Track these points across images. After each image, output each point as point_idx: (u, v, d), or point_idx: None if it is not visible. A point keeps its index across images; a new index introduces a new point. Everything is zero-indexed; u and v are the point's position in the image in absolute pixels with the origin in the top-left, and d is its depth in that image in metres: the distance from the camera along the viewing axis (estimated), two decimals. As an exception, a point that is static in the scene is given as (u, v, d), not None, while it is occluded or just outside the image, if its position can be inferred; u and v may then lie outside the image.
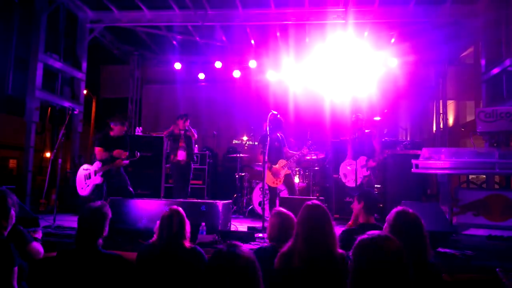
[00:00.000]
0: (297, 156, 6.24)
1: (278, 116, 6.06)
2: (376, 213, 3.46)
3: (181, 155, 6.66)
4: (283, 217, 2.84)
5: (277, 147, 6.24)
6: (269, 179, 6.15)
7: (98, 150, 5.76)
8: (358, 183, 5.79)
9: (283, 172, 6.20)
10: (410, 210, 2.48)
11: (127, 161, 5.85)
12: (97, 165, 5.74)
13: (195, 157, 6.99)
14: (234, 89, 10.19)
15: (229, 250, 1.75)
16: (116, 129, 5.87)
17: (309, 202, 2.59)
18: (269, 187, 6.23)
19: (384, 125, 8.04)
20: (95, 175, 5.70)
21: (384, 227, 2.50)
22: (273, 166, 6.17)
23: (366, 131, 6.21)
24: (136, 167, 8.04)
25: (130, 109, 10.73)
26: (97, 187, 5.71)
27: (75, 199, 7.77)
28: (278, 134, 6.31)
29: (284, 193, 7.00)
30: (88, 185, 5.71)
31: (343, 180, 6.20)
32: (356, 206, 3.45)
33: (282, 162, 6.21)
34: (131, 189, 5.87)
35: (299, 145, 9.25)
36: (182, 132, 6.73)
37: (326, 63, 8.75)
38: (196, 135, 6.78)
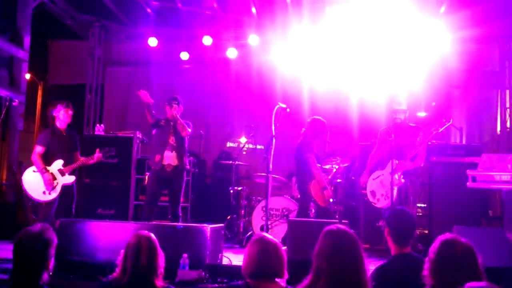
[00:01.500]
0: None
1: (288, 110, 6.06)
2: (411, 239, 3.42)
3: (169, 157, 6.29)
4: (266, 246, 2.72)
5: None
6: (318, 195, 6.22)
7: (36, 148, 6.17)
8: (394, 199, 5.71)
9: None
10: (462, 240, 2.47)
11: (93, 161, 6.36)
12: (60, 163, 6.14)
13: (188, 163, 6.69)
14: (229, 74, 10.20)
15: None
16: (60, 116, 6.26)
17: (333, 227, 2.58)
18: (319, 208, 6.29)
19: (431, 123, 8.04)
20: (62, 175, 6.11)
21: (425, 261, 2.49)
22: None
23: (411, 124, 6.11)
24: (96, 178, 8.06)
25: (89, 100, 10.74)
26: (66, 190, 6.14)
27: (15, 220, 7.78)
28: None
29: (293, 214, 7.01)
30: (54, 186, 6.06)
31: (371, 200, 6.05)
32: (385, 232, 3.44)
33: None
34: (73, 207, 6.20)
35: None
36: (172, 123, 6.39)
37: (353, 40, 8.75)
38: (189, 130, 6.40)
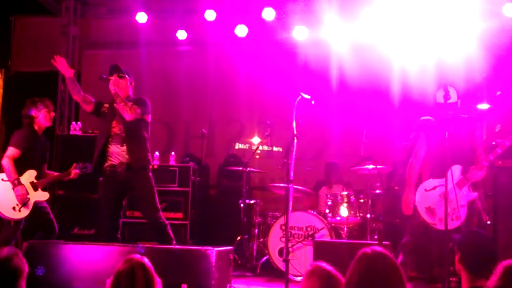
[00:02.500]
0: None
1: (313, 102, 6.08)
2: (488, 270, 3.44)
3: (117, 154, 5.90)
4: (328, 280, 2.77)
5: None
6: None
7: (11, 151, 6.21)
8: (462, 220, 5.68)
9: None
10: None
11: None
12: (33, 175, 6.26)
13: (151, 158, 6.16)
14: (238, 57, 10.22)
15: None
16: (41, 117, 6.41)
17: (368, 250, 2.59)
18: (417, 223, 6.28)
19: (495, 118, 7.99)
20: (35, 190, 6.23)
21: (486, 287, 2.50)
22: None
23: (463, 115, 6.10)
24: (71, 190, 8.12)
25: (62, 91, 10.81)
26: (36, 209, 6.26)
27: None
28: None
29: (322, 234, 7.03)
30: (26, 202, 6.17)
31: (429, 220, 5.93)
32: (456, 260, 3.45)
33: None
34: (55, 225, 6.33)
35: (351, 150, 9.25)
36: (121, 105, 5.81)
37: (395, 9, 8.72)
38: (137, 111, 5.84)
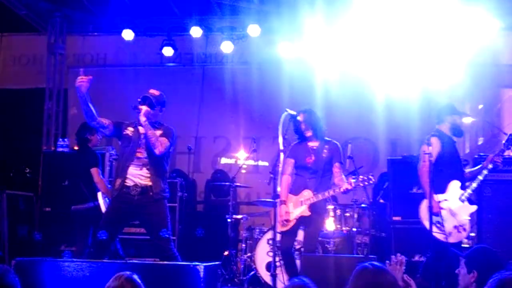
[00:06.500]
0: (338, 189, 6.16)
1: (299, 118, 6.09)
2: None
3: (135, 176, 5.52)
4: None
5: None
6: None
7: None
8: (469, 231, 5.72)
9: (298, 211, 6.20)
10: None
11: None
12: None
13: (166, 187, 5.75)
14: (223, 74, 10.25)
15: None
16: (94, 140, 7.31)
17: (368, 265, 2.56)
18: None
19: (478, 130, 8.05)
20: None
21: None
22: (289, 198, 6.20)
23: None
24: (59, 206, 8.04)
25: (49, 108, 10.76)
26: None
27: None
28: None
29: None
30: None
31: (438, 233, 5.74)
32: (465, 278, 3.45)
33: (307, 193, 6.20)
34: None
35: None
36: (152, 139, 5.48)
37: (379, 28, 8.78)
38: (166, 144, 5.55)
